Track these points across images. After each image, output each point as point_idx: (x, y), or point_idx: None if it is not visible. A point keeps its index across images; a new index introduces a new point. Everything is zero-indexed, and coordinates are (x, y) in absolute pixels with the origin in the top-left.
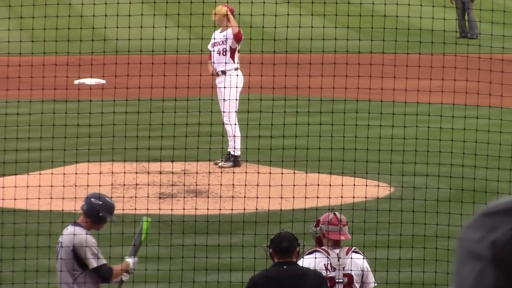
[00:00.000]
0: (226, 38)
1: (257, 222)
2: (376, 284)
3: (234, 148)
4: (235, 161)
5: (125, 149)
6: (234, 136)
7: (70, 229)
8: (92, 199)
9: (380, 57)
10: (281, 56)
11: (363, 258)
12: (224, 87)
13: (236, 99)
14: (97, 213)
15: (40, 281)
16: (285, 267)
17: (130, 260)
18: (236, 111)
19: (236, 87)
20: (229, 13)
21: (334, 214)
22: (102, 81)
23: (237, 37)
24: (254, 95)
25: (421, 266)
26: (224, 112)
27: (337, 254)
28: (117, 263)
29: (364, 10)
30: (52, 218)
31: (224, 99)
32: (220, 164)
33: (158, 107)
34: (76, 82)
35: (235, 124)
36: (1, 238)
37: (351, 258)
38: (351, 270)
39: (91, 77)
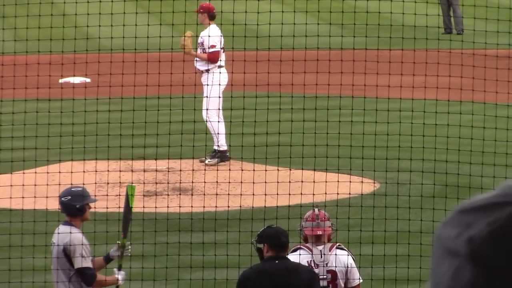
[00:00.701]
0: (199, 42)
1: (241, 219)
2: (361, 281)
3: (218, 144)
4: (222, 157)
5: (108, 147)
6: (218, 133)
7: (61, 228)
8: (62, 198)
9: (363, 53)
10: (264, 53)
11: (348, 255)
12: (207, 85)
13: (219, 97)
14: (73, 207)
15: (25, 280)
16: (277, 261)
17: (119, 277)
18: (219, 108)
19: (219, 84)
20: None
21: (313, 210)
22: (87, 80)
23: (211, 60)
24: (237, 92)
25: (406, 262)
26: (203, 109)
27: (321, 250)
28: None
29: (347, 6)
30: (36, 217)
31: (206, 96)
32: (206, 161)
33: (141, 105)
34: (61, 81)
35: (219, 121)
36: None
37: (335, 254)
38: (335, 266)
39: (74, 75)
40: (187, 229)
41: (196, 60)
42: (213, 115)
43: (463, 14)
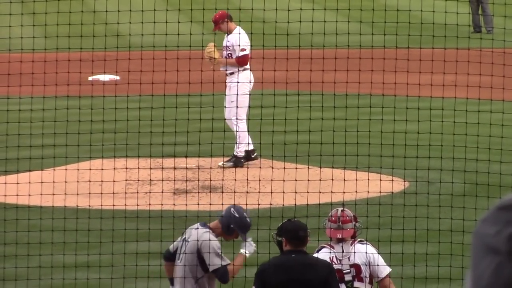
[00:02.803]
0: (227, 45)
1: (272, 217)
2: (391, 269)
3: (237, 151)
4: (237, 162)
5: (139, 145)
6: (241, 143)
7: (200, 229)
8: (231, 209)
9: (393, 51)
10: (294, 51)
11: (368, 246)
12: (236, 94)
13: (248, 106)
14: (228, 223)
15: (55, 277)
16: (293, 255)
17: (242, 251)
18: (245, 118)
19: (249, 94)
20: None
21: (337, 210)
22: (117, 77)
23: (241, 63)
24: (267, 90)
25: (436, 260)
26: (232, 118)
27: (342, 246)
28: (131, 258)
29: (377, 4)
30: (66, 214)
31: (236, 106)
32: (220, 163)
33: (172, 102)
34: (90, 78)
35: (243, 130)
36: (16, 234)
37: (356, 248)
38: (358, 260)
39: (105, 73)
40: None
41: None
42: (243, 124)
43: (493, 13)
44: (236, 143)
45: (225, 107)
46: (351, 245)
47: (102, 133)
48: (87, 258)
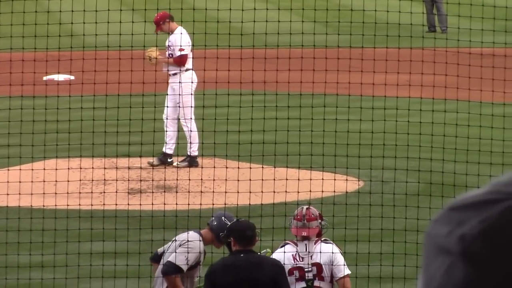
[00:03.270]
0: (169, 45)
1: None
2: (350, 272)
3: (191, 151)
4: (192, 162)
5: (93, 145)
6: (191, 142)
7: (191, 233)
8: (222, 217)
9: (347, 51)
10: (248, 51)
11: (332, 246)
12: (179, 94)
13: (191, 106)
14: (223, 228)
15: (10, 277)
16: (242, 255)
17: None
18: (193, 118)
19: (191, 94)
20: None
21: (302, 208)
22: (72, 77)
23: (178, 63)
24: (221, 90)
25: (391, 260)
26: (181, 119)
27: (306, 244)
28: (86, 258)
29: (331, 4)
30: (20, 214)
31: (167, 106)
32: (175, 163)
33: (126, 102)
34: (45, 78)
35: (195, 130)
36: None
37: (320, 247)
38: (320, 259)
39: (59, 73)
40: (172, 227)
41: (163, 65)
42: (193, 123)
43: (448, 12)
44: (189, 142)
45: (166, 107)
46: (315, 244)
47: (56, 133)
48: (41, 258)
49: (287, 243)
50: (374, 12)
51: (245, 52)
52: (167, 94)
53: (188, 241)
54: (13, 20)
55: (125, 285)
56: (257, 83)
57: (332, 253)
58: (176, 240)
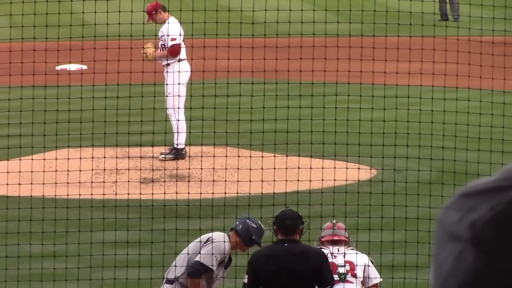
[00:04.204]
0: (162, 35)
1: (238, 206)
2: (381, 280)
3: (178, 142)
4: (178, 154)
5: (105, 134)
6: (178, 132)
7: (217, 234)
8: (248, 221)
9: (358, 40)
10: (259, 40)
11: (360, 254)
12: (172, 84)
13: (185, 96)
14: (250, 235)
15: (22, 267)
16: (286, 245)
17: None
18: (183, 107)
19: (179, 84)
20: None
21: (332, 222)
22: (84, 67)
23: (172, 53)
24: (233, 79)
25: (403, 248)
26: (169, 108)
27: (338, 248)
28: (98, 248)
29: None
30: (33, 204)
31: (167, 96)
32: (160, 157)
33: (138, 92)
34: (58, 68)
35: (182, 120)
36: None
37: (350, 251)
38: (350, 259)
39: (70, 62)
40: (184, 216)
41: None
42: (181, 114)
43: (459, 1)
44: (176, 132)
45: (166, 96)
46: (345, 249)
47: (68, 123)
48: (53, 248)
49: (320, 247)
50: (385, 1)
51: (257, 41)
52: (166, 84)
53: (212, 241)
54: (25, 9)
55: (137, 275)
56: (269, 72)
57: (365, 259)
58: (200, 241)
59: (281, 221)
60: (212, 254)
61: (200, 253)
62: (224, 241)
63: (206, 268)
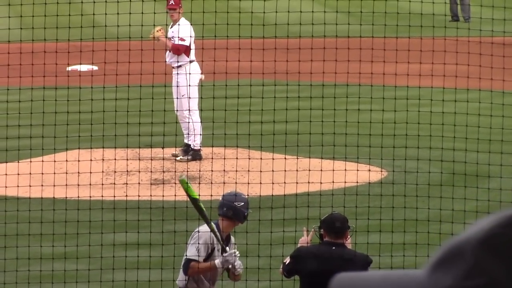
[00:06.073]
0: (173, 36)
1: (249, 208)
2: None
3: (194, 144)
4: (195, 155)
5: (116, 136)
6: (195, 134)
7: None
8: (235, 203)
9: (369, 41)
10: (270, 41)
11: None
12: (178, 86)
13: (192, 97)
14: (243, 214)
15: (32, 268)
16: (333, 248)
17: (217, 261)
18: (197, 109)
19: (190, 86)
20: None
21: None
22: (94, 68)
23: (175, 52)
24: (244, 80)
25: (413, 250)
26: (183, 110)
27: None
28: (108, 249)
29: None
30: (43, 205)
31: (179, 97)
32: (178, 158)
33: (148, 93)
34: (69, 69)
35: (197, 121)
36: None
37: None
38: None
39: (81, 63)
40: (195, 218)
41: (166, 55)
42: (196, 115)
43: (470, 2)
44: (193, 134)
45: (177, 98)
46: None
47: (79, 124)
48: (64, 249)
49: None
50: (396, 2)
51: (268, 42)
52: (177, 86)
53: (198, 231)
54: (35, 10)
55: (148, 276)
56: (280, 73)
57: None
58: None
59: (330, 224)
60: (198, 244)
61: (186, 248)
62: (200, 231)
63: (189, 260)
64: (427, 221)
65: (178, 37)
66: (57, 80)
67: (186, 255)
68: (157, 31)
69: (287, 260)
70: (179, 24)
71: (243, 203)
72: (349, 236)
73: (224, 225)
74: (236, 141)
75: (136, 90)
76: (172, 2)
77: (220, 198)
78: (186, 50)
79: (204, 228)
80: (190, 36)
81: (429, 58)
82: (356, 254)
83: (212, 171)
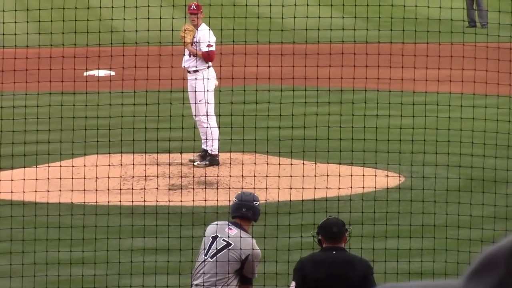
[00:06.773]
0: (196, 42)
1: (267, 213)
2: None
3: (212, 149)
4: (212, 160)
5: (133, 141)
6: (212, 139)
7: (235, 230)
8: (254, 203)
9: (387, 46)
10: (289, 47)
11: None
12: (196, 91)
13: (210, 102)
14: (259, 212)
15: (50, 273)
16: (333, 252)
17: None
18: (214, 114)
19: (208, 91)
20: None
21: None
22: (112, 73)
23: (206, 58)
24: (262, 85)
25: (432, 256)
26: (201, 115)
27: None
28: (126, 254)
29: None
30: (61, 211)
31: (196, 103)
32: (196, 163)
33: (166, 98)
34: (86, 74)
35: (215, 127)
36: (10, 231)
37: None
38: None
39: (99, 68)
40: (212, 223)
41: (184, 59)
42: (213, 121)
43: (488, 8)
44: (210, 139)
45: (194, 103)
46: None
47: (97, 129)
48: (82, 254)
49: None
50: (414, 8)
51: (286, 47)
52: (195, 91)
53: (253, 249)
54: (53, 16)
55: (166, 282)
56: (298, 78)
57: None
58: (226, 241)
59: (327, 229)
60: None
61: (253, 260)
62: (252, 237)
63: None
64: (445, 227)
65: (206, 42)
66: (75, 85)
67: (255, 274)
68: (189, 32)
69: (293, 284)
70: (201, 30)
71: (259, 202)
72: (347, 239)
73: (247, 229)
74: (254, 146)
75: (154, 96)
76: (194, 6)
77: (235, 199)
78: (214, 55)
79: (246, 242)
80: (215, 42)
81: (447, 64)
82: (356, 257)
83: (230, 176)
